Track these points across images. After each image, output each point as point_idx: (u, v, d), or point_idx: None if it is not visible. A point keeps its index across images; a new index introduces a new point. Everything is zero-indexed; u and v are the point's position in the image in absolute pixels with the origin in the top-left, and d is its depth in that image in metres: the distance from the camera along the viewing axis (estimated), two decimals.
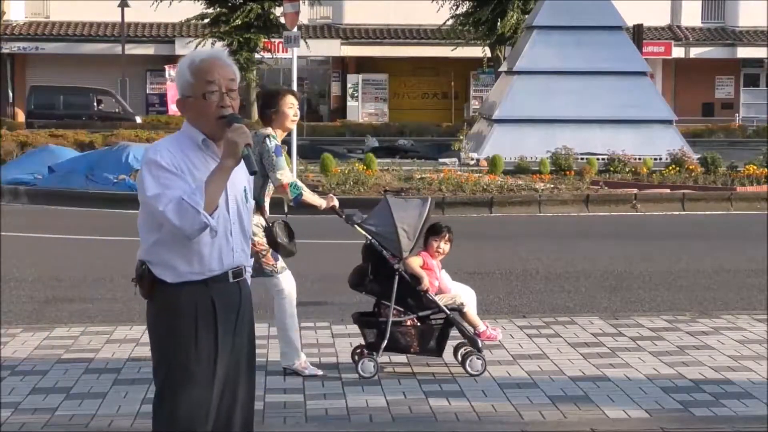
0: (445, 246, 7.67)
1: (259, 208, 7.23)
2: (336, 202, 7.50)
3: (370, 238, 7.35)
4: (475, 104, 45.58)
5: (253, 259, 7.02)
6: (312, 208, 7.44)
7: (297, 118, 7.44)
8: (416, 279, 7.32)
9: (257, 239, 7.16)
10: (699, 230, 16.59)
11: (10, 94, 47.64)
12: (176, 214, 3.93)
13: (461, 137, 26.61)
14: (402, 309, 7.35)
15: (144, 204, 4.05)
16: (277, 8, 38.42)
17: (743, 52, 48.48)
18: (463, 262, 11.51)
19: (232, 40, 40.65)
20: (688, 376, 7.24)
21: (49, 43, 46.30)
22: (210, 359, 4.08)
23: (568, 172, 22.29)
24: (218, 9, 41.00)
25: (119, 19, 42.66)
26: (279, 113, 7.31)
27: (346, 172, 20.86)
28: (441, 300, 7.39)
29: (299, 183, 7.36)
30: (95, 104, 38.37)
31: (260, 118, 7.46)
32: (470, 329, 7.47)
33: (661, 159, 23.62)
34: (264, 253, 7.20)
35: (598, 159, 23.12)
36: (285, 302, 7.32)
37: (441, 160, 25.38)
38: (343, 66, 48.94)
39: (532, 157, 23.41)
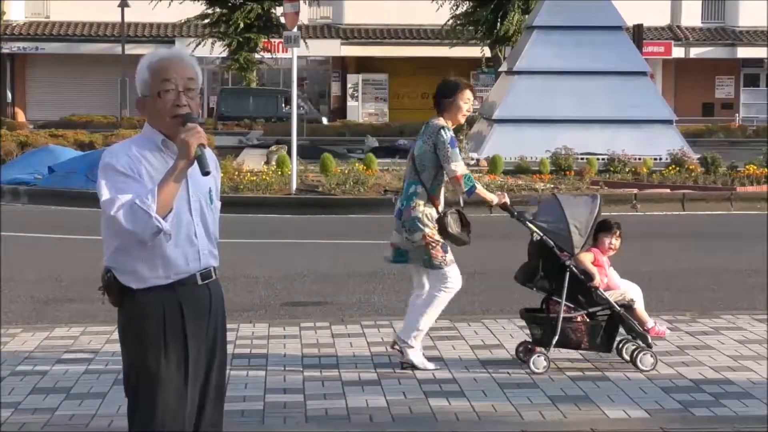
0: (616, 242, 7.69)
1: (430, 199, 7.25)
2: (507, 199, 7.51)
3: (541, 234, 7.38)
4: (475, 104, 45.54)
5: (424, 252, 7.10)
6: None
7: (469, 113, 7.48)
8: (587, 275, 7.35)
9: (428, 231, 7.18)
10: (699, 230, 16.58)
11: (10, 94, 47.65)
12: (127, 218, 3.85)
13: (461, 137, 26.57)
14: (572, 305, 7.37)
15: (102, 209, 3.96)
16: (277, 8, 38.43)
17: (743, 52, 48.52)
18: (463, 262, 11.47)
19: (231, 40, 40.65)
20: (688, 376, 7.24)
21: (49, 43, 46.34)
22: (180, 364, 4.00)
23: (568, 172, 22.26)
24: (218, 9, 41.00)
25: (119, 19, 42.66)
26: (454, 105, 7.37)
27: (346, 172, 20.84)
28: (611, 296, 7.40)
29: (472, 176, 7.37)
30: (282, 105, 38.78)
31: (435, 106, 7.47)
32: (638, 326, 7.46)
33: (661, 159, 23.58)
34: (434, 245, 7.21)
35: (598, 159, 23.10)
36: (443, 294, 7.34)
37: None
38: (343, 66, 48.96)
39: (532, 157, 23.38)
